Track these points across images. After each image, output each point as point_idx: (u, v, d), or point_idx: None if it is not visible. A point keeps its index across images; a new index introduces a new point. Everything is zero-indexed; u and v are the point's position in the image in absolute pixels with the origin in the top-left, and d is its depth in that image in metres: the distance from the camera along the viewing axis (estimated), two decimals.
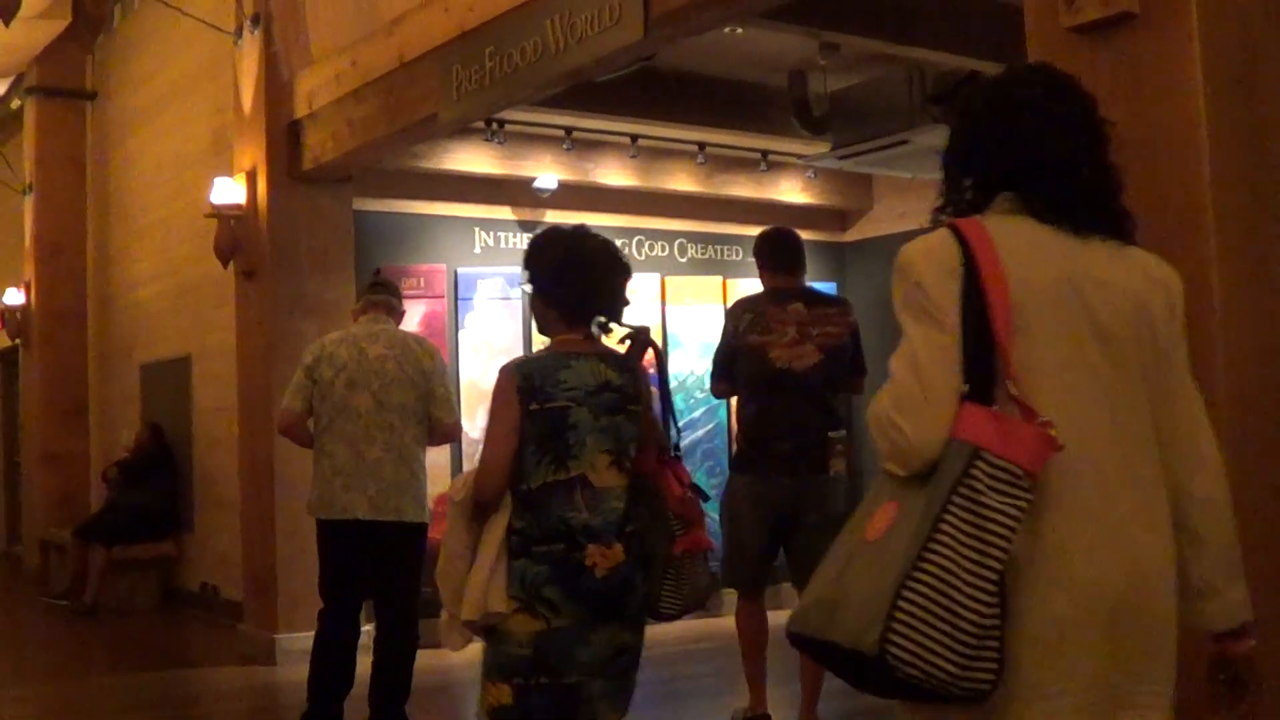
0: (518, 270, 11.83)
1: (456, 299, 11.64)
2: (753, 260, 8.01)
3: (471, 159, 11.49)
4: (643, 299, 12.38)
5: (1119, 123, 4.57)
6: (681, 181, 12.51)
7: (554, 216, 12.26)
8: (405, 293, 8.59)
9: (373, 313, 7.70)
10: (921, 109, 9.97)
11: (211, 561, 13.24)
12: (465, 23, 8.67)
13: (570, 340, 4.65)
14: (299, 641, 9.47)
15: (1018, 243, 2.78)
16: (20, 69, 17.84)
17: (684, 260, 12.88)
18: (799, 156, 12.33)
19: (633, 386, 4.65)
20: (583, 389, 4.53)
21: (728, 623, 7.79)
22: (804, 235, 8.10)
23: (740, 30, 9.22)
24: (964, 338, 2.67)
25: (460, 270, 11.71)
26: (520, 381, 4.51)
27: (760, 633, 7.66)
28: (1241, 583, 2.96)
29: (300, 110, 10.80)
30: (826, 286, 12.93)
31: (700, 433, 12.51)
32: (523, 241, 12.15)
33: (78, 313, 17.30)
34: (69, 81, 17.54)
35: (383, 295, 7.80)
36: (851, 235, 13.82)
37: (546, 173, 11.80)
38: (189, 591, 13.79)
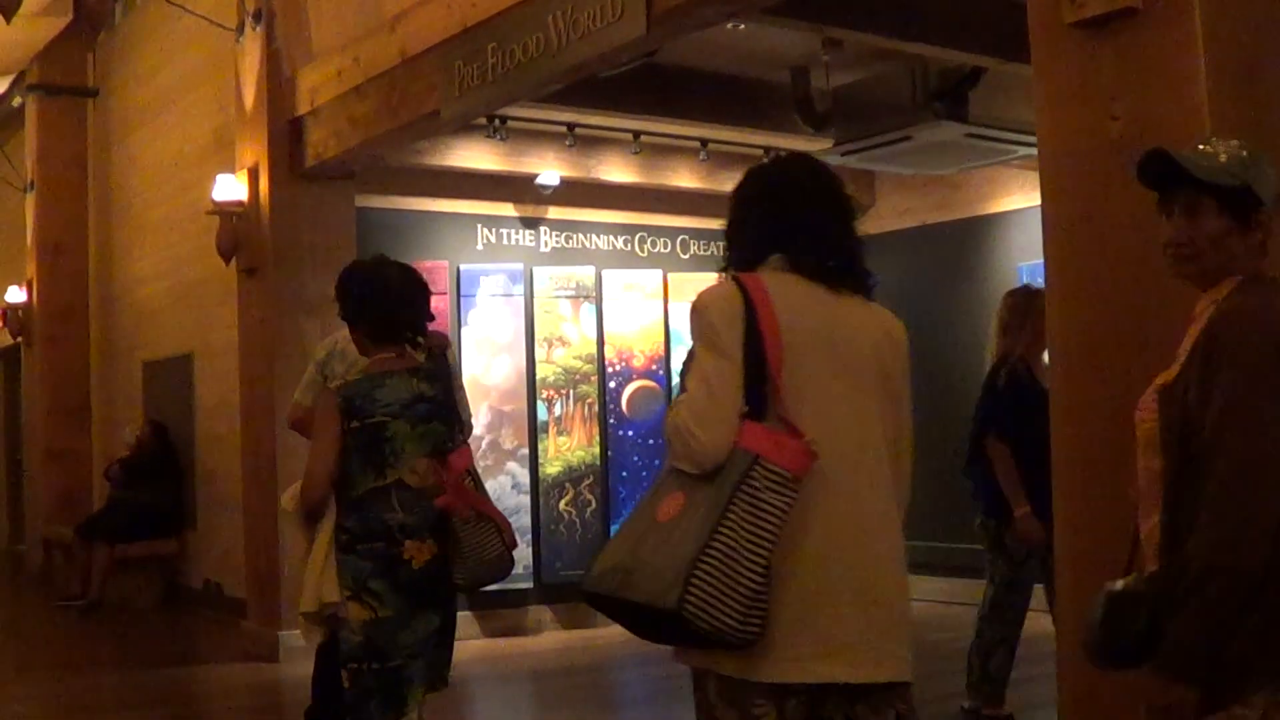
0: (520, 266, 11.86)
1: (459, 295, 11.64)
2: None
3: (474, 155, 11.48)
4: (646, 295, 12.38)
5: (1121, 118, 4.58)
6: (684, 178, 12.50)
7: (556, 213, 12.26)
8: None
9: None
10: (924, 105, 9.96)
11: (214, 559, 13.25)
12: (467, 19, 8.67)
13: (383, 360, 5.27)
14: (302, 638, 9.48)
15: (787, 295, 3.51)
16: (22, 66, 17.83)
17: (686, 257, 12.87)
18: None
19: (444, 395, 5.29)
20: (398, 403, 5.12)
21: None
22: None
23: (743, 26, 9.21)
24: (745, 369, 3.38)
25: (463, 267, 11.71)
26: (341, 403, 5.12)
27: None
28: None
29: (302, 107, 10.79)
30: None
31: None
32: (526, 238, 12.16)
33: (80, 311, 17.30)
34: (71, 79, 17.53)
35: None
36: None
37: (549, 169, 11.79)
38: (192, 589, 13.80)
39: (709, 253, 12.93)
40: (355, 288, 5.45)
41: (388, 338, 5.32)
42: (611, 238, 12.53)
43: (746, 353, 3.40)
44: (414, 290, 5.42)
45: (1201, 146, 3.32)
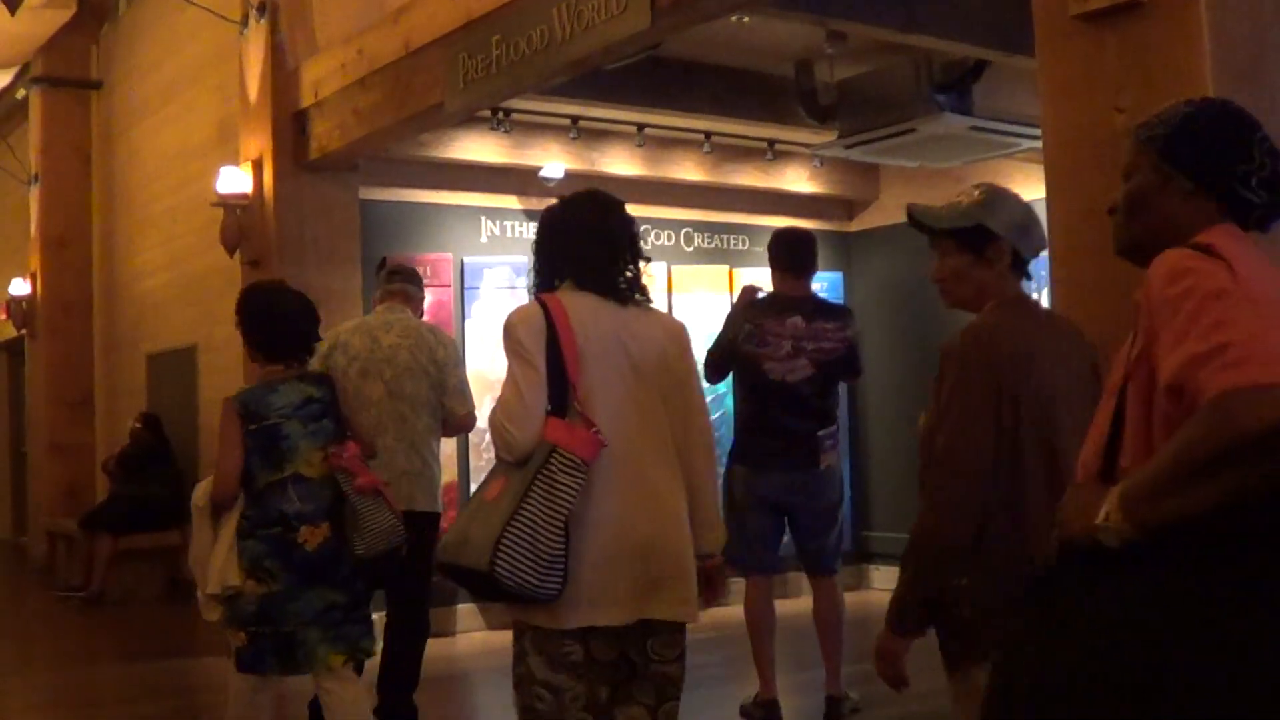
0: (524, 259, 11.84)
1: (463, 288, 11.64)
2: (759, 250, 8.11)
3: (478, 148, 11.49)
4: (650, 288, 12.37)
5: (1126, 110, 4.57)
6: (688, 170, 12.50)
7: None
8: None
9: (389, 301, 7.72)
10: (928, 98, 9.95)
11: None
12: (472, 11, 8.67)
13: (273, 371, 6.04)
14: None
15: (582, 311, 4.38)
16: (25, 59, 17.82)
17: (690, 249, 12.88)
18: (805, 146, 12.33)
19: (330, 396, 6.07)
20: (289, 406, 5.91)
21: (736, 611, 7.80)
22: (810, 225, 8.15)
23: (747, 19, 9.20)
24: (548, 374, 4.27)
25: (466, 259, 11.71)
26: (240, 409, 5.91)
27: (768, 619, 7.75)
28: (721, 526, 4.79)
29: (306, 99, 10.80)
30: (832, 276, 12.94)
31: None
32: (529, 231, 12.15)
33: (84, 303, 17.30)
34: (74, 71, 17.53)
35: (399, 284, 7.79)
36: (858, 225, 13.80)
37: (553, 162, 11.79)
38: (195, 581, 13.80)
39: (713, 245, 12.93)
40: (252, 310, 6.18)
41: (278, 356, 6.07)
42: None
43: (549, 361, 4.28)
44: (306, 317, 6.20)
45: (955, 197, 3.99)
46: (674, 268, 12.62)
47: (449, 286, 11.49)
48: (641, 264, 4.68)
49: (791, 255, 7.98)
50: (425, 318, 8.06)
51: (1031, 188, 11.92)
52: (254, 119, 11.29)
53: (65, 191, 17.43)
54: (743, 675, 8.19)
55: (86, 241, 17.45)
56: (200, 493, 6.06)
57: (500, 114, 11.00)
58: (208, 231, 12.08)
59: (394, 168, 11.37)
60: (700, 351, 8.15)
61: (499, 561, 4.08)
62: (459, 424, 7.82)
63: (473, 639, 11.23)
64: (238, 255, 11.33)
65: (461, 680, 9.89)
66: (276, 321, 6.10)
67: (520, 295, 11.65)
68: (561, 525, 4.13)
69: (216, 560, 5.88)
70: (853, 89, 10.76)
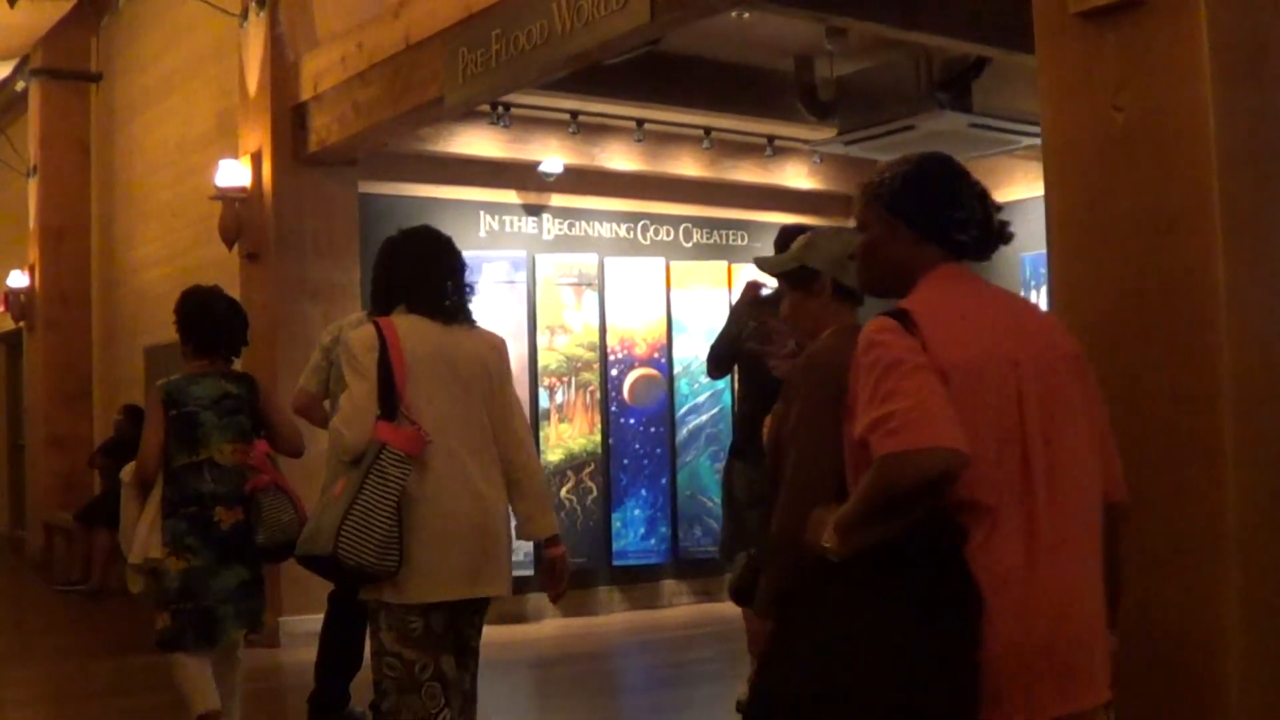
0: (523, 254, 11.85)
1: None
2: (758, 246, 8.09)
3: (477, 142, 11.49)
4: (648, 284, 12.38)
5: (1125, 108, 4.57)
6: (687, 166, 12.50)
7: (559, 200, 12.25)
8: None
9: None
10: (928, 95, 9.95)
11: None
12: (472, 5, 8.67)
13: (198, 366, 6.64)
14: (302, 624, 9.50)
15: (411, 331, 5.14)
16: (25, 51, 17.82)
17: (689, 245, 12.87)
18: (805, 141, 12.33)
19: (248, 394, 6.64)
20: (207, 398, 6.49)
21: (733, 607, 7.80)
22: (809, 221, 8.11)
23: (747, 14, 9.21)
24: (380, 386, 4.99)
25: (465, 254, 11.68)
26: (163, 397, 6.48)
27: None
28: (550, 513, 5.44)
29: (306, 93, 10.80)
30: None
31: (704, 417, 12.53)
32: (529, 225, 12.15)
33: (82, 296, 17.30)
34: (74, 64, 17.52)
35: None
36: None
37: (552, 156, 11.78)
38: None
39: (712, 241, 12.93)
40: (186, 311, 6.77)
41: (206, 353, 6.68)
42: (614, 225, 12.52)
43: (380, 374, 5.01)
44: (234, 321, 6.81)
45: (794, 245, 4.51)
46: (672, 263, 12.62)
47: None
48: (468, 289, 5.47)
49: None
50: None
51: (1031, 185, 11.97)
52: (253, 112, 11.28)
53: (64, 184, 17.43)
54: (739, 672, 8.20)
55: (85, 234, 17.44)
56: (127, 471, 6.65)
57: (500, 108, 10.99)
58: (206, 224, 12.08)
59: (393, 161, 11.37)
60: (705, 348, 8.20)
61: (341, 545, 4.79)
62: None
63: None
64: (236, 248, 11.33)
65: None
66: (206, 323, 6.72)
67: (519, 290, 11.67)
68: (393, 510, 4.86)
69: (140, 533, 6.46)
70: (852, 85, 10.77)
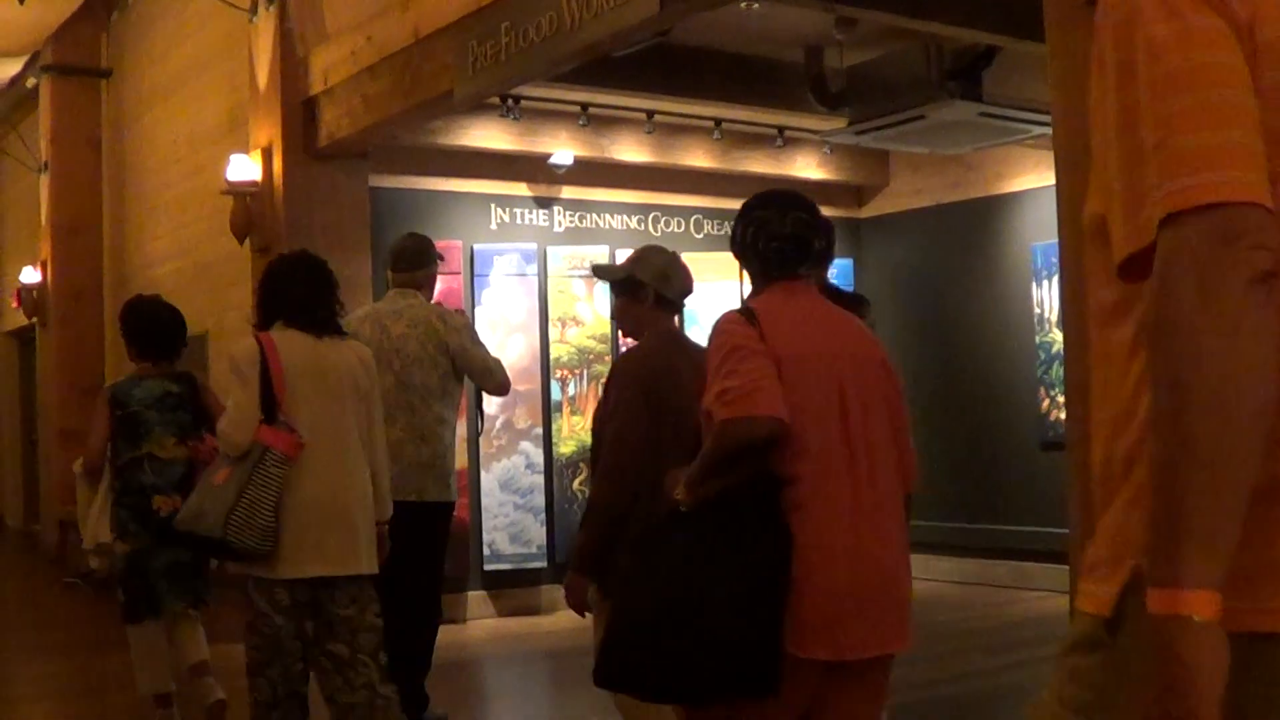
0: (534, 246, 11.87)
1: (473, 275, 11.64)
2: None
3: (487, 135, 11.49)
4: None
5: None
6: (697, 157, 12.50)
7: (570, 192, 12.26)
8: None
9: (399, 288, 7.68)
10: (938, 84, 9.94)
11: None
12: None
13: (144, 368, 7.38)
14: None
15: (288, 344, 5.82)
16: (35, 47, 17.82)
17: (700, 236, 12.87)
18: (815, 132, 12.31)
19: (189, 393, 7.34)
20: (150, 398, 7.24)
21: None
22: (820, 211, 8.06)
23: (756, 5, 9.19)
24: (261, 393, 5.67)
25: (476, 246, 11.72)
26: (110, 396, 7.31)
27: None
28: (386, 500, 6.18)
29: (315, 87, 10.80)
30: (843, 263, 12.93)
31: None
32: (539, 218, 12.16)
33: (94, 291, 17.29)
34: (84, 60, 17.52)
35: (404, 272, 7.71)
36: (868, 211, 13.80)
37: (562, 149, 11.79)
38: None
39: (722, 232, 12.91)
40: (132, 318, 7.53)
41: (150, 356, 7.39)
42: (625, 217, 12.53)
43: (261, 383, 5.71)
44: (175, 327, 7.52)
45: (626, 259, 5.61)
46: (683, 255, 12.52)
47: (459, 274, 11.49)
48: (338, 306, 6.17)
49: None
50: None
51: (1041, 174, 11.96)
52: (263, 107, 11.29)
53: (75, 180, 17.43)
54: None
55: (97, 229, 17.45)
56: (78, 463, 7.48)
57: (510, 101, 11.00)
58: (218, 219, 12.08)
59: (404, 155, 11.38)
60: (700, 339, 8.17)
61: (230, 531, 5.56)
62: (495, 391, 7.79)
63: (484, 625, 11.26)
64: (248, 243, 11.34)
65: (472, 666, 9.91)
66: (150, 328, 7.44)
67: (530, 283, 11.68)
68: (273, 504, 5.60)
69: (91, 520, 7.32)
70: (862, 75, 10.75)
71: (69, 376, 17.12)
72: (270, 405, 5.73)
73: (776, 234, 4.17)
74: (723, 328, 3.94)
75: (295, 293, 6.02)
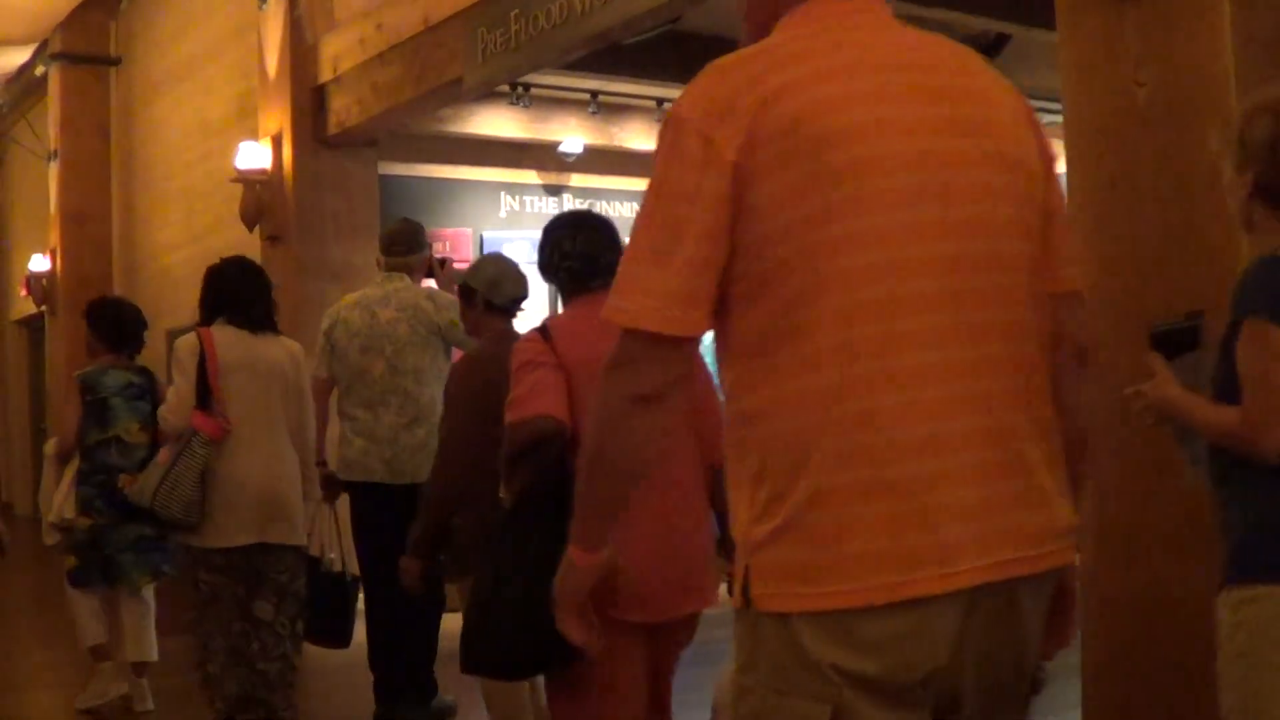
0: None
1: None
2: None
3: (497, 123, 11.49)
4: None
5: (1146, 84, 4.56)
6: None
7: (580, 180, 12.26)
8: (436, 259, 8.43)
9: (386, 272, 7.66)
10: None
11: None
12: None
13: (108, 359, 7.91)
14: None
15: (225, 339, 6.48)
16: (44, 35, 17.84)
17: None
18: None
19: (148, 384, 7.91)
20: (116, 387, 7.79)
21: None
22: None
23: None
24: (198, 383, 6.33)
25: (486, 234, 11.73)
26: (81, 384, 7.84)
27: None
28: (313, 482, 6.90)
29: (325, 75, 10.81)
30: None
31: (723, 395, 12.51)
32: (549, 205, 12.16)
33: (103, 279, 17.30)
34: (93, 47, 17.54)
35: (398, 256, 7.69)
36: None
37: (572, 136, 11.79)
38: None
39: None
40: (100, 316, 8.12)
41: (115, 349, 7.95)
42: (634, 205, 12.49)
43: (199, 374, 6.36)
44: (138, 324, 8.16)
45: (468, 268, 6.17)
46: None
47: (468, 261, 11.48)
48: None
49: None
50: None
51: None
52: (273, 94, 11.30)
53: (84, 168, 17.45)
54: None
55: (106, 218, 17.47)
56: (50, 445, 8.45)
57: (519, 89, 10.99)
58: (227, 207, 12.10)
59: (413, 143, 11.38)
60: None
61: (156, 502, 6.27)
62: None
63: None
64: (257, 230, 11.35)
65: None
66: (116, 325, 8.04)
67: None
68: (197, 479, 6.27)
69: (58, 497, 7.94)
70: None
71: (78, 365, 17.07)
72: (205, 394, 6.41)
73: (568, 253, 4.47)
74: (520, 346, 4.38)
75: (234, 293, 6.69)
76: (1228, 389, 3.31)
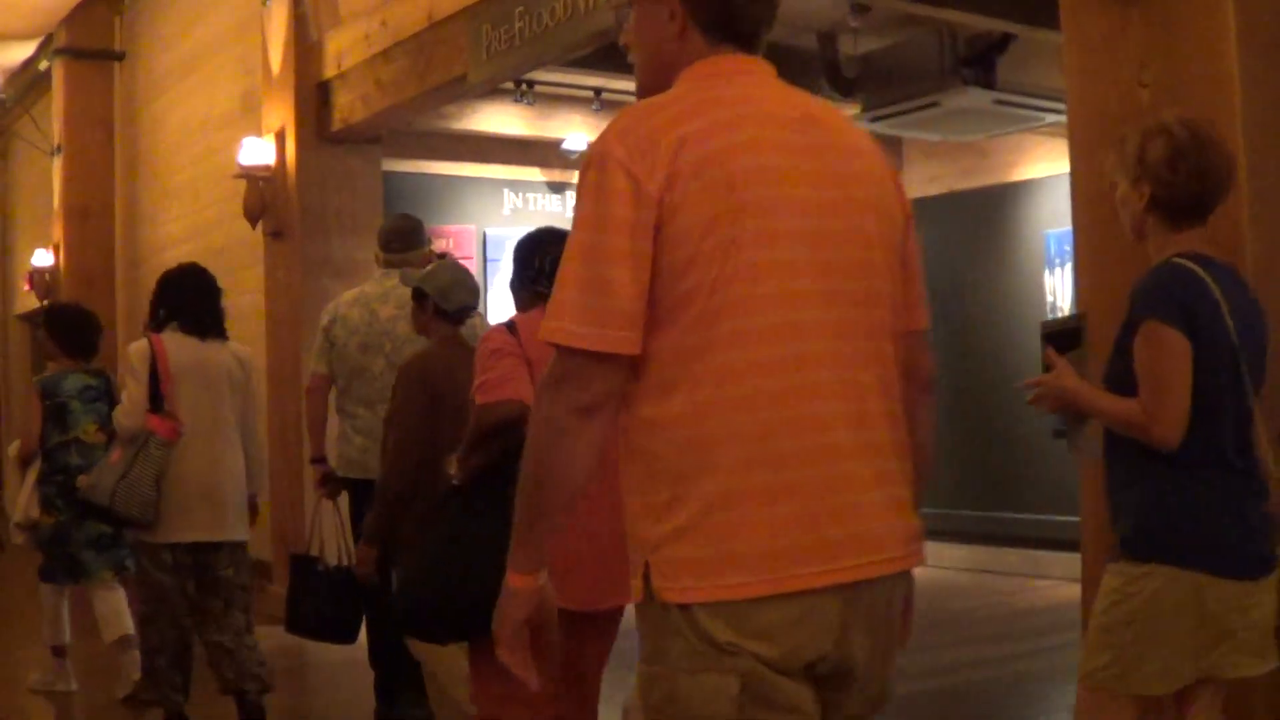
0: None
1: (485, 260, 11.67)
2: None
3: (501, 120, 11.49)
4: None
5: (1150, 84, 4.55)
6: None
7: None
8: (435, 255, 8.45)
9: (385, 269, 7.63)
10: (952, 71, 9.91)
11: None
12: None
13: (67, 364, 8.30)
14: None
15: (176, 345, 6.85)
16: (49, 30, 17.84)
17: None
18: None
19: (105, 387, 8.28)
20: (75, 390, 8.18)
21: None
22: None
23: None
24: (150, 387, 6.71)
25: (489, 231, 11.74)
26: (40, 389, 8.24)
27: None
28: (260, 478, 7.46)
29: (329, 71, 10.80)
30: None
31: None
32: (553, 203, 12.16)
33: (106, 275, 17.31)
34: (97, 42, 17.52)
35: (397, 253, 7.66)
36: None
37: (576, 133, 11.79)
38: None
39: None
40: (58, 323, 8.58)
41: (73, 355, 8.34)
42: None
43: (151, 378, 6.73)
44: (94, 331, 8.52)
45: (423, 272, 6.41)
46: None
47: (471, 259, 11.51)
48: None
49: None
50: None
51: (1055, 162, 11.92)
52: (277, 90, 11.30)
53: (88, 163, 17.44)
54: None
55: (109, 213, 17.46)
56: (13, 449, 8.72)
57: (523, 86, 10.99)
58: (231, 203, 12.09)
59: (417, 139, 11.39)
60: None
61: (115, 501, 6.61)
62: None
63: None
64: (260, 226, 11.35)
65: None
66: (74, 332, 8.42)
67: None
68: (155, 480, 6.64)
69: (22, 498, 8.33)
70: (876, 62, 10.73)
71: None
72: (157, 397, 6.77)
73: (539, 272, 4.91)
74: (487, 336, 4.82)
75: (184, 301, 7.06)
76: (1121, 382, 3.76)
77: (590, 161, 2.67)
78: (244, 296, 12.64)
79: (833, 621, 2.58)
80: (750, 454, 2.56)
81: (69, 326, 8.55)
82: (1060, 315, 3.30)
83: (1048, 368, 3.94)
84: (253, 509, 7.33)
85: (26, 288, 18.96)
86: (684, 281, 2.56)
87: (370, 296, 7.52)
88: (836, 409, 2.63)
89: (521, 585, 2.78)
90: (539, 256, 5.02)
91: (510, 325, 4.82)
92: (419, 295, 6.14)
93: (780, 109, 2.82)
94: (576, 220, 2.63)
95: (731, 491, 2.55)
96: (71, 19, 17.37)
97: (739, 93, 2.81)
